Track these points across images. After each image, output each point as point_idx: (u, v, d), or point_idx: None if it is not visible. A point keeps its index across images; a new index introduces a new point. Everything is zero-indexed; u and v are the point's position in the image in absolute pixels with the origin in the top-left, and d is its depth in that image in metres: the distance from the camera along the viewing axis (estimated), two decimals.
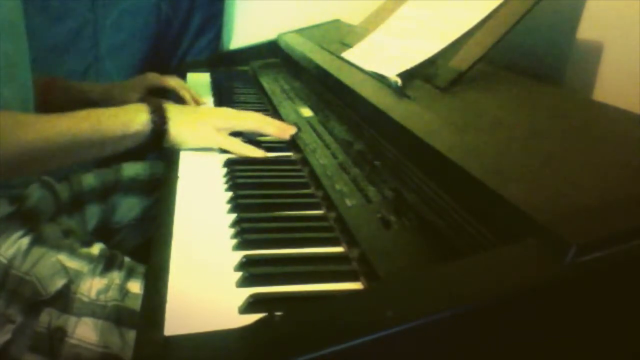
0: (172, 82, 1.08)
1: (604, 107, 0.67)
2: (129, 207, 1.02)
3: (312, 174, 0.69)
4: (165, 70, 1.15)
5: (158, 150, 0.78)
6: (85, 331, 0.68)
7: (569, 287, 0.35)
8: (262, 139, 0.83)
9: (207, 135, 0.78)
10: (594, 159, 0.50)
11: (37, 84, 0.84)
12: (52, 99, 0.96)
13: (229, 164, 0.76)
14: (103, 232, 0.97)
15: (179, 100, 1.06)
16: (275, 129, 0.81)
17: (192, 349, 0.34)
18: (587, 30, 0.82)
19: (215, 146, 0.79)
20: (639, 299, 0.38)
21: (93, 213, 0.97)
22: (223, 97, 1.14)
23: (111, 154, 0.74)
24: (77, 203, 0.96)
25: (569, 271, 0.35)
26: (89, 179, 0.99)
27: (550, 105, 0.68)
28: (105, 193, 1.00)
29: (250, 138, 0.82)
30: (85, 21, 1.32)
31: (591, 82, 0.80)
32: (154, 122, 0.74)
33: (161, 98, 1.01)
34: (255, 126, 0.81)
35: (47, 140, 0.67)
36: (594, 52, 0.80)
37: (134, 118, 0.73)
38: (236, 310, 0.44)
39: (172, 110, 0.76)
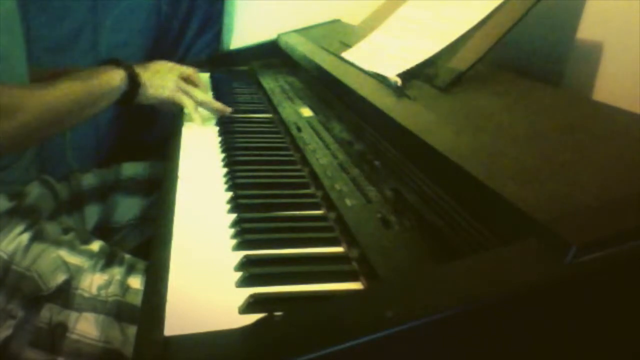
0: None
1: (604, 107, 0.67)
2: (128, 207, 1.02)
3: (312, 174, 0.69)
4: None
5: (137, 101, 0.89)
6: (86, 326, 0.68)
7: (569, 287, 0.35)
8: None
9: (174, 89, 0.92)
10: (594, 159, 0.50)
11: (44, 76, 0.86)
12: None
13: (229, 164, 0.76)
14: (103, 231, 0.97)
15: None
16: (219, 105, 0.96)
17: (192, 349, 0.34)
18: (587, 30, 0.82)
19: (174, 100, 0.92)
20: (639, 299, 0.38)
21: (93, 212, 0.98)
22: (223, 97, 1.14)
23: (100, 110, 0.84)
24: (76, 202, 0.96)
25: (569, 271, 0.35)
26: (89, 179, 0.99)
27: (550, 105, 0.68)
28: (105, 193, 1.00)
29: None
30: (85, 21, 1.31)
31: (591, 82, 0.80)
32: (129, 75, 0.86)
33: None
34: (205, 99, 0.95)
35: (50, 108, 0.74)
36: (594, 52, 0.80)
37: (113, 75, 0.84)
38: (236, 310, 0.44)
39: (140, 67, 0.90)
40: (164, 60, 1.03)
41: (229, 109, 0.97)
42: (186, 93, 0.93)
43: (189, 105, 0.92)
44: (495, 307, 0.34)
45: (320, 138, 0.79)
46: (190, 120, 0.93)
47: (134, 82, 0.86)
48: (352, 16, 1.34)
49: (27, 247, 0.72)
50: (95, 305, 0.69)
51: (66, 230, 0.79)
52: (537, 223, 0.38)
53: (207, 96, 0.97)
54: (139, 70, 0.88)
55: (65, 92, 0.76)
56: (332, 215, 0.60)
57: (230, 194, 0.65)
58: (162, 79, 0.91)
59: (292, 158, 0.79)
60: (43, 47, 1.26)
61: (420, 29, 0.87)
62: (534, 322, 0.36)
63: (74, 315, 0.69)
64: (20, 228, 0.73)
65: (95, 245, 0.76)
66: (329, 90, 0.95)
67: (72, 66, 0.96)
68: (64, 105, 0.76)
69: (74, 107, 0.77)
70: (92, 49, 1.33)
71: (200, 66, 1.36)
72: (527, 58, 0.92)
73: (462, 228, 0.47)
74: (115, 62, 0.86)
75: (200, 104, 0.94)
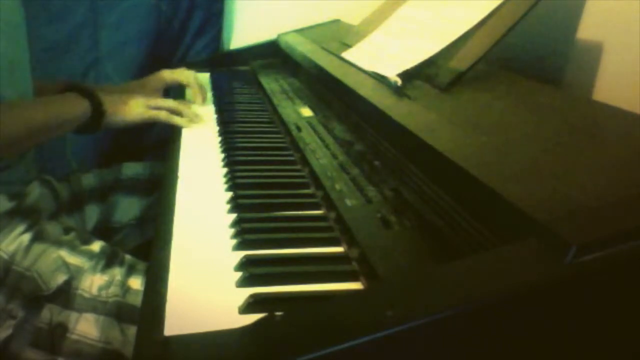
0: (184, 77, 1.08)
1: (604, 107, 0.67)
2: (128, 207, 1.02)
3: (312, 174, 0.69)
4: None
5: (99, 130, 0.86)
6: (86, 327, 0.68)
7: (569, 287, 0.35)
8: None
9: (139, 110, 0.89)
10: (594, 159, 0.50)
11: (51, 90, 0.88)
12: None
13: (229, 164, 0.76)
14: (103, 231, 0.97)
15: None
16: (191, 114, 0.95)
17: (192, 349, 0.34)
18: (587, 30, 0.82)
19: (148, 119, 0.90)
20: (638, 299, 0.38)
21: (93, 213, 0.98)
22: (223, 97, 1.14)
23: (57, 136, 0.83)
24: (76, 202, 0.96)
25: (569, 271, 0.35)
26: (89, 179, 0.99)
27: (550, 105, 0.68)
28: (105, 193, 1.00)
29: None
30: (85, 21, 1.32)
31: (591, 82, 0.80)
32: (92, 105, 0.83)
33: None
34: (177, 107, 0.94)
35: (12, 128, 0.73)
36: (594, 52, 0.80)
37: (76, 104, 0.82)
38: (236, 310, 0.44)
39: (103, 94, 0.86)
40: (135, 81, 1.04)
41: (198, 121, 0.95)
42: (157, 107, 0.91)
43: (163, 118, 0.91)
44: (495, 307, 0.34)
45: (320, 138, 0.79)
46: (178, 125, 0.92)
47: (97, 112, 0.84)
48: (352, 16, 1.34)
49: (28, 248, 0.72)
50: (95, 305, 0.69)
51: (67, 231, 0.79)
52: (537, 223, 0.38)
53: (175, 103, 0.95)
54: (104, 98, 0.85)
55: (22, 116, 0.75)
56: (332, 215, 0.60)
57: (230, 194, 0.65)
58: (127, 104, 0.88)
59: (292, 158, 0.79)
60: (43, 47, 1.27)
61: (420, 29, 0.87)
62: (534, 322, 0.36)
63: (74, 315, 0.69)
64: (20, 228, 0.73)
65: (96, 246, 0.76)
66: (329, 90, 0.95)
67: (63, 82, 0.97)
68: (18, 130, 0.74)
69: (29, 132, 0.76)
70: (92, 49, 1.34)
71: (200, 66, 1.37)
72: (527, 58, 0.92)
73: (462, 228, 0.47)
74: (81, 90, 0.84)
75: (175, 112, 0.93)
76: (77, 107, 0.81)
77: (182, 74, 1.08)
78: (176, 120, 0.92)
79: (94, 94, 0.84)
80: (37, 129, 0.76)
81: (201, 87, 1.08)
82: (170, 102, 0.94)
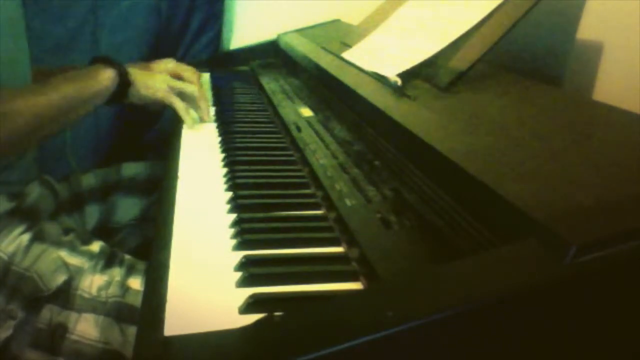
0: (190, 74, 1.06)
1: (604, 107, 0.67)
2: (128, 207, 1.02)
3: (312, 174, 0.69)
4: None
5: (125, 101, 0.88)
6: (86, 327, 0.68)
7: (569, 287, 0.35)
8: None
9: (163, 90, 0.90)
10: (594, 159, 0.50)
11: (52, 75, 0.87)
12: None
13: (229, 164, 0.76)
14: (103, 231, 0.97)
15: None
16: (205, 106, 0.96)
17: (192, 349, 0.34)
18: (587, 30, 0.82)
19: (169, 103, 0.91)
20: (638, 299, 0.38)
21: (93, 213, 0.98)
22: (223, 97, 1.14)
23: (91, 110, 0.84)
24: (76, 202, 0.96)
25: (569, 271, 0.35)
26: (89, 179, 0.99)
27: (550, 105, 0.68)
28: (105, 193, 1.00)
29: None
30: (85, 21, 1.32)
31: (591, 82, 0.80)
32: (120, 75, 0.85)
33: None
34: (195, 93, 0.94)
35: (40, 112, 0.73)
36: (594, 52, 0.80)
37: (103, 74, 0.83)
38: (236, 310, 0.44)
39: (131, 67, 0.88)
40: (160, 60, 1.03)
41: (207, 118, 0.96)
42: (178, 92, 0.92)
43: (179, 108, 0.91)
44: (495, 307, 0.34)
45: (320, 138, 0.79)
46: (184, 122, 0.92)
47: (124, 82, 0.85)
48: (352, 16, 1.34)
49: (28, 248, 0.72)
50: (95, 306, 0.69)
51: (66, 231, 0.79)
52: (537, 223, 0.38)
53: (197, 91, 0.96)
54: (130, 69, 0.87)
55: (56, 94, 0.76)
56: (332, 215, 0.60)
57: (230, 194, 0.65)
58: (153, 79, 0.90)
59: (292, 158, 0.79)
60: (43, 47, 1.27)
61: (420, 29, 0.87)
62: (534, 322, 0.36)
63: (73, 316, 0.69)
64: (20, 229, 0.73)
65: (96, 246, 0.76)
66: (329, 90, 0.95)
67: (70, 66, 0.96)
68: (55, 108, 0.75)
69: (64, 109, 0.77)
70: (92, 49, 1.33)
71: (200, 66, 1.36)
72: (527, 58, 0.92)
73: (462, 228, 0.47)
74: (105, 61, 0.85)
75: (191, 99, 0.94)
76: (104, 78, 0.83)
77: (185, 70, 1.07)
78: (187, 120, 0.92)
79: (120, 64, 0.86)
80: (69, 104, 0.77)
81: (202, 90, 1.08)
82: (191, 88, 0.94)
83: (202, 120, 0.95)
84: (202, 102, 0.95)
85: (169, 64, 1.04)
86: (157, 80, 0.90)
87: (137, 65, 0.92)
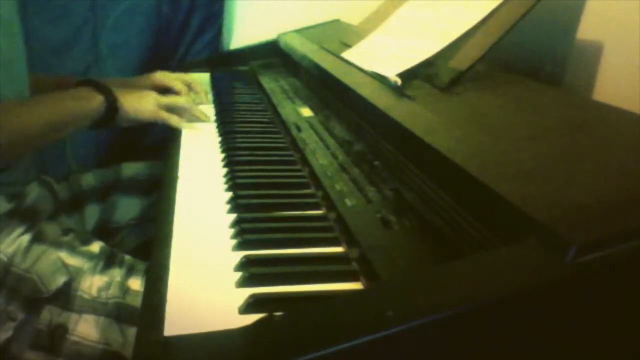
0: (174, 84, 1.07)
1: (604, 107, 0.67)
2: (128, 207, 1.02)
3: (312, 174, 0.69)
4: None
5: (111, 125, 0.86)
6: (86, 328, 0.68)
7: (569, 287, 0.35)
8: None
9: (150, 108, 0.89)
10: (593, 159, 0.50)
11: (48, 83, 0.88)
12: None
13: (229, 164, 0.76)
14: (102, 231, 0.97)
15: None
16: (201, 114, 0.97)
17: (192, 349, 0.34)
18: (587, 30, 0.82)
19: (158, 119, 0.90)
20: (639, 299, 0.37)
21: (92, 213, 0.98)
22: (223, 97, 1.14)
23: (74, 131, 0.83)
24: (76, 203, 0.96)
25: (569, 271, 0.35)
26: (89, 179, 0.99)
27: (550, 105, 0.68)
28: (105, 193, 1.00)
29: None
30: (85, 21, 1.32)
31: (591, 82, 0.80)
32: (107, 100, 0.83)
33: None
34: (186, 104, 0.95)
35: (24, 127, 0.73)
36: (594, 52, 0.80)
37: (91, 99, 0.82)
38: (236, 310, 0.44)
39: (118, 90, 0.86)
40: (147, 74, 1.04)
41: (207, 119, 0.97)
42: (168, 108, 0.91)
43: (173, 122, 0.91)
44: (495, 307, 0.34)
45: (320, 138, 0.79)
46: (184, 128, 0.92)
47: (111, 107, 0.83)
48: (352, 16, 1.34)
49: (27, 249, 0.72)
50: (95, 307, 0.69)
51: (66, 231, 0.79)
52: (537, 223, 0.38)
53: (187, 100, 0.97)
54: (118, 94, 0.85)
55: (39, 113, 0.75)
56: (332, 215, 0.60)
57: (230, 194, 0.65)
58: (140, 101, 0.88)
59: (292, 158, 0.79)
60: (43, 47, 1.27)
61: (420, 29, 0.87)
62: (534, 322, 0.36)
63: (74, 317, 0.69)
64: (20, 230, 0.73)
65: (95, 247, 0.76)
66: (329, 90, 0.95)
67: (67, 77, 0.97)
68: (37, 126, 0.74)
69: (46, 129, 0.76)
70: (92, 49, 1.34)
71: (200, 66, 1.37)
72: (527, 58, 0.92)
73: (462, 228, 0.47)
74: (96, 85, 0.84)
75: (184, 110, 0.94)
76: (91, 102, 0.81)
77: (173, 80, 1.06)
78: (185, 126, 0.92)
79: (109, 89, 0.84)
80: (51, 125, 0.76)
81: (197, 92, 1.08)
82: (181, 100, 0.95)
83: (200, 120, 0.96)
84: (197, 112, 0.96)
85: (156, 76, 1.05)
86: (144, 101, 0.89)
87: (122, 85, 0.91)
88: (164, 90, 1.05)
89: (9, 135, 0.70)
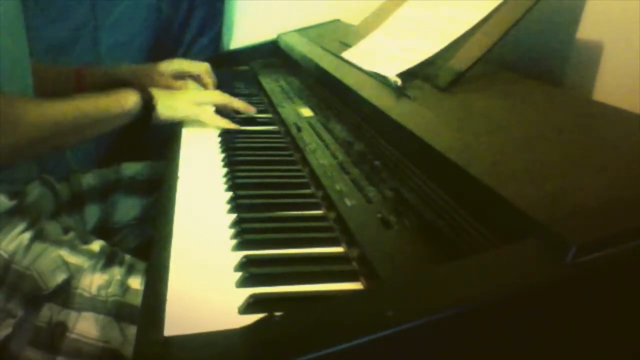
0: (198, 68, 1.08)
1: (604, 107, 0.67)
2: (128, 207, 1.02)
3: (312, 174, 0.69)
4: None
5: (148, 127, 0.87)
6: (85, 326, 0.68)
7: (569, 287, 0.35)
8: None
9: (188, 107, 0.90)
10: (593, 159, 0.50)
11: (65, 74, 0.91)
12: (85, 87, 0.98)
13: (229, 164, 0.76)
14: (103, 231, 0.97)
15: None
16: (241, 104, 0.96)
17: (192, 349, 0.34)
18: (587, 30, 0.82)
19: (195, 117, 0.91)
20: (639, 299, 0.37)
21: (93, 212, 0.98)
22: None
23: (109, 130, 0.83)
24: (76, 202, 0.96)
25: (569, 271, 0.35)
26: (89, 179, 0.99)
27: (550, 105, 0.68)
28: (105, 193, 1.00)
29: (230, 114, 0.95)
30: (85, 21, 1.32)
31: (591, 82, 0.80)
32: (143, 99, 0.84)
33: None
34: (224, 100, 0.95)
35: (54, 122, 0.74)
36: (594, 52, 0.80)
37: (127, 98, 0.83)
38: (236, 310, 0.44)
39: (155, 90, 0.88)
40: (167, 60, 1.03)
41: (252, 109, 0.96)
42: (204, 102, 0.92)
43: (207, 121, 0.91)
44: (495, 307, 0.34)
45: (320, 138, 0.79)
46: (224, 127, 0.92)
47: (148, 106, 0.84)
48: (352, 16, 1.34)
49: (28, 247, 0.72)
50: (95, 305, 0.69)
51: (66, 230, 0.79)
52: (537, 223, 0.38)
53: (225, 97, 0.95)
54: (155, 93, 0.86)
55: (72, 107, 0.76)
56: (332, 215, 0.60)
57: (230, 194, 0.65)
58: (176, 99, 0.89)
59: (292, 158, 0.79)
60: (43, 47, 1.27)
61: (420, 29, 0.87)
62: (534, 322, 0.36)
63: (73, 314, 0.69)
64: (20, 227, 0.73)
65: (96, 245, 0.76)
66: (329, 90, 0.95)
67: (65, 67, 0.96)
68: (69, 120, 0.75)
69: (79, 123, 0.77)
70: (92, 49, 1.34)
71: None
72: (527, 58, 0.92)
73: (462, 228, 0.47)
74: (133, 84, 0.85)
75: (222, 107, 0.94)
76: (127, 101, 0.82)
77: (196, 66, 1.08)
78: (219, 123, 0.91)
79: (145, 89, 0.85)
80: (86, 123, 0.77)
81: (213, 81, 1.09)
82: (216, 97, 0.94)
83: (246, 112, 0.97)
84: (236, 103, 0.95)
85: (174, 64, 1.05)
86: (180, 100, 0.90)
87: (139, 71, 0.91)
88: (181, 77, 1.07)
89: (39, 127, 0.72)
